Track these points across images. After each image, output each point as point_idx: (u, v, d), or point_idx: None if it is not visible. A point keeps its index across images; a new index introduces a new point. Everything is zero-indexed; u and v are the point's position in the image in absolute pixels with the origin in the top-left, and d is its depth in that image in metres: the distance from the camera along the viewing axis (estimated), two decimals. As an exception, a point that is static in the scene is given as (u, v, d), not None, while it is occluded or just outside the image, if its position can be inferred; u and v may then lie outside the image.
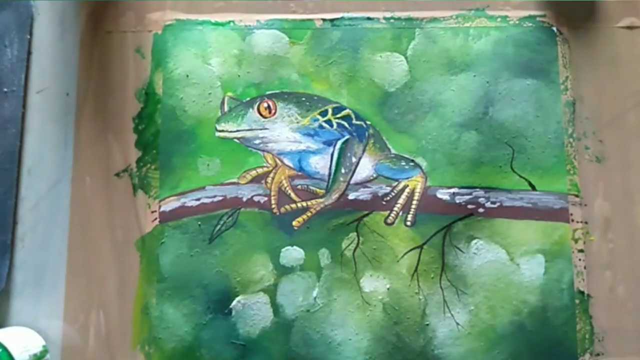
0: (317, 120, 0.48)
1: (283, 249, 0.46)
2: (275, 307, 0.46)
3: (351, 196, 0.47)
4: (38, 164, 0.48)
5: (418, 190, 0.47)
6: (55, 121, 0.49)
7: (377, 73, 0.48)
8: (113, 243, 0.47)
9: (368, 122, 0.48)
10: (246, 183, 0.47)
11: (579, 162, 0.47)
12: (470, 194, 0.47)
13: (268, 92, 0.49)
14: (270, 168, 0.48)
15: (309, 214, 0.47)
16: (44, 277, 0.47)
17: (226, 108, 0.48)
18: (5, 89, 0.49)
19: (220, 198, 0.47)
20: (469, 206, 0.47)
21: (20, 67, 0.49)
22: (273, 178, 0.47)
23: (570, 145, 0.47)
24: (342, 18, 0.50)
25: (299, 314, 0.46)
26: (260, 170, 0.48)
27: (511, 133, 0.47)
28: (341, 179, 0.47)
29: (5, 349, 0.42)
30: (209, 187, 0.47)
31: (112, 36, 0.50)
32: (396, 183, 0.47)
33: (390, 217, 0.47)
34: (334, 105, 0.48)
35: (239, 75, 0.49)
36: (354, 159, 0.48)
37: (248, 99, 0.48)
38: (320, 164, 0.48)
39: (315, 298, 0.46)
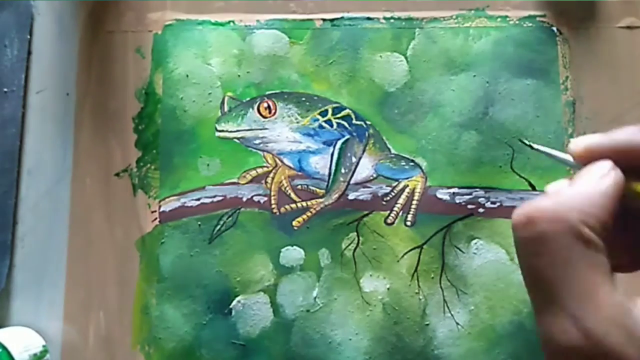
0: (317, 120, 0.48)
1: (283, 249, 0.46)
2: (275, 307, 0.46)
3: (351, 196, 0.47)
4: (38, 164, 0.48)
5: (418, 190, 0.47)
6: (55, 121, 0.49)
7: (377, 73, 0.48)
8: (113, 243, 0.47)
9: (368, 122, 0.48)
10: (246, 183, 0.47)
11: (579, 162, 0.47)
12: (470, 194, 0.47)
13: (268, 92, 0.49)
14: (270, 168, 0.48)
15: (309, 214, 0.47)
16: (44, 277, 0.47)
17: (226, 108, 0.48)
18: (5, 89, 0.49)
19: (220, 198, 0.47)
20: (469, 206, 0.47)
21: (20, 67, 0.49)
22: (273, 178, 0.47)
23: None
24: (342, 18, 0.50)
25: (299, 314, 0.46)
26: (260, 170, 0.48)
27: (511, 133, 0.47)
28: (341, 179, 0.47)
29: (5, 349, 0.42)
30: (209, 187, 0.47)
31: (112, 36, 0.50)
32: (396, 183, 0.47)
33: (390, 217, 0.47)
34: (334, 105, 0.48)
35: (239, 75, 0.49)
36: (354, 159, 0.48)
37: (248, 99, 0.48)
38: (320, 164, 0.48)
39: (315, 298, 0.46)
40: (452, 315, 0.45)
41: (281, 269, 0.46)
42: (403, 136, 0.48)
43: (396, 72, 0.48)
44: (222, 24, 0.50)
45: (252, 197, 0.47)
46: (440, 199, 0.47)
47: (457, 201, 0.47)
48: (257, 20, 0.50)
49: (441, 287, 0.46)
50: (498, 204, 0.46)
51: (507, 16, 0.49)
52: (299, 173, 0.48)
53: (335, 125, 0.48)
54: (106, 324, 0.46)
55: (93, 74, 0.50)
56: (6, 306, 0.46)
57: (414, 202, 0.47)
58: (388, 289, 0.46)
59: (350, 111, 0.48)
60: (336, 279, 0.46)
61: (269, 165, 0.48)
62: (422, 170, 0.47)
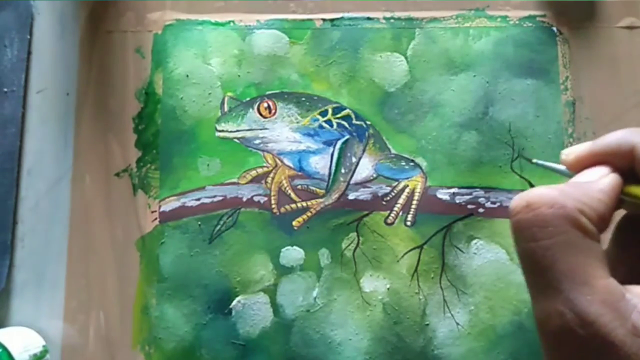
0: (317, 120, 0.48)
1: (283, 249, 0.46)
2: (275, 307, 0.46)
3: (351, 196, 0.47)
4: (38, 164, 0.48)
5: (418, 190, 0.47)
6: (55, 121, 0.49)
7: (377, 73, 0.48)
8: (113, 243, 0.47)
9: (368, 122, 0.48)
10: (246, 183, 0.47)
11: (579, 162, 0.47)
12: (470, 194, 0.47)
13: (268, 92, 0.49)
14: (270, 168, 0.48)
15: (309, 214, 0.47)
16: (44, 277, 0.47)
17: (226, 108, 0.48)
18: (5, 89, 0.49)
19: (220, 198, 0.47)
20: (469, 206, 0.47)
21: (20, 67, 0.49)
22: (273, 178, 0.47)
23: (570, 146, 0.47)
24: (342, 18, 0.50)
25: (299, 314, 0.46)
26: (260, 170, 0.48)
27: (511, 133, 0.47)
28: (341, 179, 0.47)
29: (5, 349, 0.42)
30: (209, 187, 0.47)
31: (112, 36, 0.50)
32: (396, 183, 0.47)
33: (390, 217, 0.47)
34: (334, 105, 0.48)
35: (239, 75, 0.49)
36: (354, 159, 0.48)
37: (248, 99, 0.48)
38: (320, 164, 0.48)
39: (315, 298, 0.46)
40: (452, 315, 0.45)
41: (281, 269, 0.46)
42: (403, 136, 0.48)
43: (396, 72, 0.48)
44: (222, 24, 0.50)
45: (252, 197, 0.47)
46: (440, 199, 0.47)
47: (457, 201, 0.47)
48: (257, 20, 0.50)
49: (441, 287, 0.46)
50: (498, 204, 0.46)
51: (507, 16, 0.49)
52: (299, 173, 0.48)
53: (335, 125, 0.48)
54: (106, 324, 0.46)
55: (93, 74, 0.50)
56: (6, 306, 0.46)
57: (414, 202, 0.47)
58: (388, 289, 0.46)
59: (350, 111, 0.48)
60: (336, 279, 0.46)
61: (269, 165, 0.48)
62: (422, 170, 0.47)
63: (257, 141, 0.48)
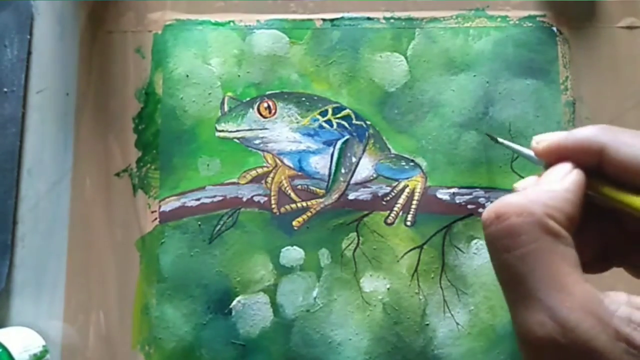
0: (317, 120, 0.48)
1: (283, 249, 0.46)
2: (275, 307, 0.46)
3: (351, 196, 0.47)
4: (38, 164, 0.48)
5: (418, 190, 0.47)
6: (55, 121, 0.49)
7: (377, 73, 0.48)
8: (113, 243, 0.47)
9: (368, 122, 0.48)
10: (246, 183, 0.47)
11: (579, 162, 0.47)
12: (470, 194, 0.47)
13: (268, 92, 0.49)
14: (270, 168, 0.48)
15: (309, 214, 0.47)
16: (44, 277, 0.47)
17: (226, 108, 0.48)
18: (5, 89, 0.49)
19: (220, 198, 0.47)
20: (469, 206, 0.47)
21: (20, 67, 0.49)
22: (273, 178, 0.47)
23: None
24: (342, 18, 0.50)
25: (299, 314, 0.46)
26: (260, 170, 0.48)
27: (511, 133, 0.47)
28: (341, 179, 0.47)
29: (5, 349, 0.42)
30: (209, 187, 0.47)
31: (112, 36, 0.50)
32: (396, 183, 0.47)
33: (390, 217, 0.47)
34: (334, 105, 0.48)
35: (239, 75, 0.49)
36: (354, 159, 0.48)
37: (248, 99, 0.48)
38: (320, 164, 0.48)
39: (315, 298, 0.46)
40: (452, 315, 0.45)
41: (281, 269, 0.46)
42: (403, 136, 0.48)
43: (396, 72, 0.48)
44: (222, 24, 0.50)
45: (252, 197, 0.47)
46: (440, 199, 0.47)
47: (457, 201, 0.47)
48: (257, 20, 0.50)
49: (441, 287, 0.46)
50: (498, 204, 0.46)
51: (507, 16, 0.49)
52: (299, 173, 0.48)
53: (335, 125, 0.48)
54: (106, 324, 0.46)
55: (93, 74, 0.50)
56: (6, 306, 0.46)
57: (414, 202, 0.47)
58: (388, 289, 0.46)
59: (350, 111, 0.48)
60: (336, 279, 0.46)
61: (269, 165, 0.48)
62: (422, 170, 0.47)
63: (257, 141, 0.48)
